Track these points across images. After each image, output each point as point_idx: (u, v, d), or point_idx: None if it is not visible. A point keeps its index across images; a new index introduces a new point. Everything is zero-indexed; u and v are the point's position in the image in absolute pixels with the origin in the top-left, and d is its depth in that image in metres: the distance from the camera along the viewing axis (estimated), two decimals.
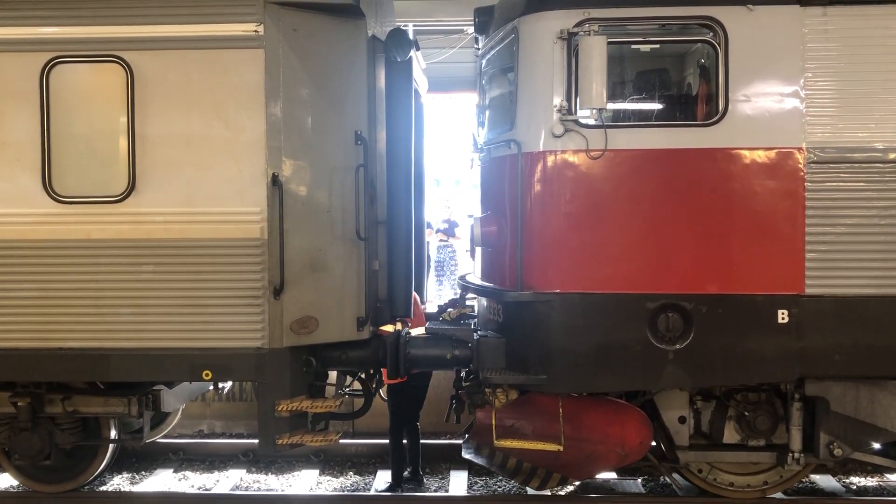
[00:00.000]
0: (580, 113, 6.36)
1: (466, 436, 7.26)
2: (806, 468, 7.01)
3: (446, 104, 15.60)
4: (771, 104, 6.25)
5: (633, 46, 6.67)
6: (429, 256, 9.89)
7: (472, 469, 8.43)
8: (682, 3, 6.33)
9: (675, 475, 7.41)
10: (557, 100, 6.34)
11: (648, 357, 6.29)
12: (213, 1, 6.34)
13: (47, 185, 6.42)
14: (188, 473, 8.70)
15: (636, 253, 6.33)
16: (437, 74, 10.56)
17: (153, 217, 6.39)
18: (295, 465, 8.89)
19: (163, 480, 8.44)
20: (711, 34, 6.31)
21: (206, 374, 6.46)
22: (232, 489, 8.18)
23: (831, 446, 6.62)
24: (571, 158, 6.36)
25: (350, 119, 6.67)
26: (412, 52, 7.10)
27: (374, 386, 7.51)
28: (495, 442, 6.71)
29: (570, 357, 6.36)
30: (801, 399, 6.67)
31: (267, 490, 8.24)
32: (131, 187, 6.39)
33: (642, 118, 6.75)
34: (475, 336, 6.83)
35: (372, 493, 7.99)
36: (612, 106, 6.55)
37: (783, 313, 6.23)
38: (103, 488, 8.20)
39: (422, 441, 8.17)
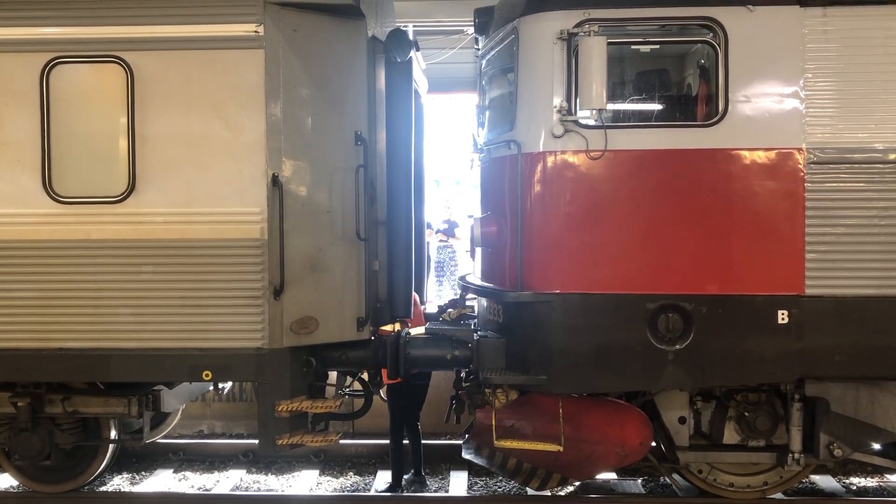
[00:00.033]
0: (580, 113, 6.36)
1: (466, 436, 7.26)
2: (806, 469, 7.00)
3: (446, 104, 15.58)
4: (771, 105, 6.25)
5: (633, 47, 6.67)
6: (429, 257, 9.87)
7: (472, 469, 8.44)
8: (682, 4, 6.33)
9: (675, 476, 7.41)
10: (557, 100, 6.33)
11: (648, 357, 6.29)
12: (213, 1, 6.34)
13: (47, 186, 6.43)
14: (188, 474, 8.70)
15: (636, 253, 6.33)
16: (437, 75, 10.57)
17: (153, 217, 6.39)
18: (295, 465, 8.89)
19: (163, 481, 8.44)
20: (711, 35, 6.31)
21: (206, 375, 6.47)
22: (232, 489, 8.17)
23: (831, 447, 6.61)
24: (571, 159, 6.35)
25: (350, 119, 6.67)
26: (412, 53, 7.11)
27: (374, 385, 7.51)
28: (495, 442, 6.71)
29: (570, 357, 6.36)
30: (801, 399, 6.67)
31: (267, 490, 8.23)
32: (131, 188, 6.39)
33: (642, 119, 6.74)
34: (475, 336, 6.83)
35: (372, 493, 7.99)
36: (612, 106, 6.55)
37: (783, 314, 6.22)
38: (103, 488, 8.20)
39: (422, 441, 8.16)
